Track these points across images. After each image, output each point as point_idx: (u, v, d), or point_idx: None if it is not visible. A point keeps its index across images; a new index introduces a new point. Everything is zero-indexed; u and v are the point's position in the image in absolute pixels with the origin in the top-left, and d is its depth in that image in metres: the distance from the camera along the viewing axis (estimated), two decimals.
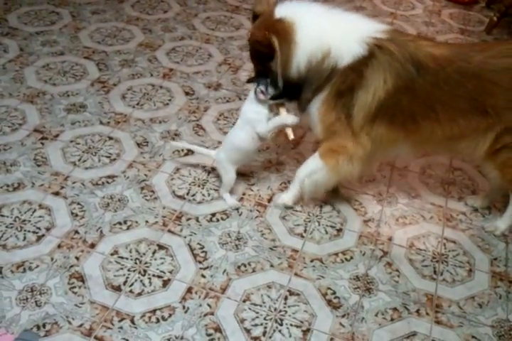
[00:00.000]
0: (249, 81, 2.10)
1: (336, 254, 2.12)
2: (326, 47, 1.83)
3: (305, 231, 2.19)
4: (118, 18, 3.50)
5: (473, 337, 1.89)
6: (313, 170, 2.12)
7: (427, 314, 1.95)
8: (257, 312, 1.88)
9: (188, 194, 2.29)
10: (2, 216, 2.10)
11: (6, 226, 2.07)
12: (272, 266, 2.04)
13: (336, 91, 1.89)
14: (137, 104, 2.76)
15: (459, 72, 1.83)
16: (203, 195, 2.30)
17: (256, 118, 2.06)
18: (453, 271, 2.11)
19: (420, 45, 1.85)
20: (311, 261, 2.08)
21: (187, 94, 2.88)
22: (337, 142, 2.01)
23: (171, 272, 1.97)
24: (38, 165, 2.33)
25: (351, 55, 1.82)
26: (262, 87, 1.98)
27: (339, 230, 2.22)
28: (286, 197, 2.28)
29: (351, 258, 2.11)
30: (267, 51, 1.85)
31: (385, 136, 1.97)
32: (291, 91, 1.96)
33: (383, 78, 1.83)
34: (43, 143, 2.45)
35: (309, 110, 1.99)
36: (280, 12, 1.85)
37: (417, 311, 1.95)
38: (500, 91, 1.84)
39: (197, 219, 2.19)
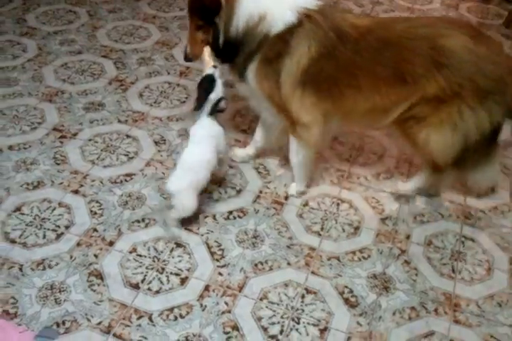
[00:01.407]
0: (196, 109, 2.09)
1: (353, 252, 2.11)
2: (263, 11, 1.90)
3: (322, 229, 2.19)
4: (135, 16, 3.52)
5: (492, 336, 1.88)
6: (296, 153, 2.21)
7: (445, 313, 1.93)
8: (274, 311, 1.89)
9: (205, 191, 2.30)
10: (22, 214, 2.13)
11: (26, 225, 2.09)
12: (288, 264, 2.04)
13: (266, 59, 1.96)
14: (154, 102, 2.78)
15: (379, 40, 1.89)
16: (220, 192, 2.31)
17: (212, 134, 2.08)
18: (471, 270, 2.09)
19: (346, 17, 1.95)
20: (328, 259, 2.07)
21: None
22: (288, 116, 2.08)
23: (188, 270, 1.98)
24: (58, 164, 2.36)
25: (283, 22, 1.90)
26: (218, 95, 2.05)
27: (356, 228, 2.21)
28: (298, 187, 2.33)
29: (369, 256, 2.10)
30: (213, 6, 1.89)
31: (316, 104, 2.02)
32: (228, 51, 2.01)
33: (307, 45, 1.90)
34: (62, 142, 2.48)
35: (246, 80, 2.05)
36: None
37: (435, 310, 1.94)
38: (417, 59, 1.88)
39: (214, 217, 2.19)
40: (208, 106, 2.06)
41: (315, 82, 1.97)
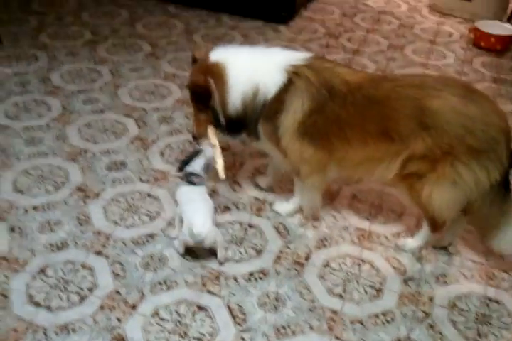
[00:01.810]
0: (180, 169, 2.32)
1: (377, 316, 2.09)
2: (255, 84, 2.09)
3: (344, 291, 2.19)
4: (156, 74, 3.63)
5: None
6: (300, 189, 2.45)
7: None
8: None
9: (226, 252, 2.31)
10: (46, 276, 2.15)
11: (51, 287, 2.11)
12: (311, 328, 2.03)
13: (266, 118, 2.15)
14: (175, 160, 2.83)
15: (366, 97, 2.01)
16: (241, 253, 2.32)
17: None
18: (498, 334, 2.06)
19: (337, 72, 2.08)
20: (351, 322, 2.06)
21: (223, 149, 2.93)
22: (291, 164, 2.30)
23: (211, 335, 1.98)
24: (81, 224, 2.40)
25: (275, 85, 2.08)
26: (194, 170, 2.26)
27: (379, 290, 2.20)
28: (285, 208, 2.53)
29: (392, 319, 2.08)
30: (205, 92, 2.12)
31: (313, 155, 2.18)
32: (233, 127, 2.23)
33: (301, 101, 2.07)
34: (85, 202, 2.52)
35: (260, 138, 2.26)
36: (213, 57, 2.14)
37: None
38: (402, 118, 1.97)
39: (235, 279, 2.20)
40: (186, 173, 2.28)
41: (310, 134, 2.13)
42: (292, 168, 2.33)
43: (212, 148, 2.29)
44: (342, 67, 2.19)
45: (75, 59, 3.75)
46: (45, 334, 1.93)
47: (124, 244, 2.32)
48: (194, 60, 2.25)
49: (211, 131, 2.27)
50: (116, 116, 3.16)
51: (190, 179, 2.26)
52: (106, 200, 2.54)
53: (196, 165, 2.28)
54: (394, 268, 2.31)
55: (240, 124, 2.21)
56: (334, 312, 2.10)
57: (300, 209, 2.54)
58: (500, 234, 2.12)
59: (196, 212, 2.15)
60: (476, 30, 4.33)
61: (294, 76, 2.07)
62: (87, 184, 2.63)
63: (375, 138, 2.05)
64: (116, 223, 2.42)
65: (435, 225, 2.25)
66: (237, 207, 2.55)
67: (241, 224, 2.47)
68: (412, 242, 2.38)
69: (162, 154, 2.87)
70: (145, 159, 2.82)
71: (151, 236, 2.37)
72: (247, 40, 4.18)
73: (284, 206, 2.55)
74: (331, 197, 2.66)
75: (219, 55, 2.15)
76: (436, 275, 2.29)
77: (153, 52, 3.91)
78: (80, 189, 2.60)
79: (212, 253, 2.25)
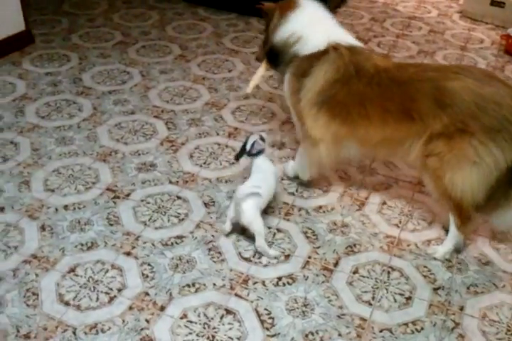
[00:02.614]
0: (239, 156, 2.55)
1: (406, 324, 2.07)
2: (303, 33, 2.30)
3: (373, 298, 2.16)
4: (185, 77, 3.65)
5: None
6: (300, 153, 2.58)
7: None
8: None
9: (254, 256, 2.31)
10: (76, 275, 2.17)
11: (80, 286, 2.13)
12: (340, 335, 2.01)
13: (293, 74, 2.34)
14: (204, 163, 2.84)
15: (390, 78, 2.14)
16: (269, 260, 2.31)
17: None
18: None
19: (371, 57, 2.26)
20: (380, 331, 2.04)
21: None
22: (302, 127, 2.42)
23: (239, 339, 1.97)
24: (111, 225, 2.41)
25: (313, 47, 2.27)
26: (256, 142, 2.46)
27: (408, 298, 2.18)
28: (290, 168, 2.71)
29: (422, 329, 2.06)
30: (267, 11, 2.42)
31: (327, 125, 2.30)
32: (272, 56, 2.45)
33: (325, 70, 2.23)
34: (115, 202, 2.54)
35: (284, 77, 2.44)
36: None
37: None
38: (422, 98, 2.08)
39: (263, 283, 2.19)
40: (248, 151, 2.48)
41: (328, 104, 2.26)
42: (302, 132, 2.46)
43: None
44: (379, 56, 2.40)
45: (106, 60, 3.79)
46: (75, 334, 1.95)
47: (153, 245, 2.33)
48: (265, 13, 2.47)
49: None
50: (146, 117, 3.19)
51: (251, 151, 2.46)
52: (135, 201, 2.56)
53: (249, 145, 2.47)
54: (424, 276, 2.28)
55: (276, 57, 2.41)
56: (363, 319, 2.08)
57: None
58: (500, 215, 2.21)
59: (247, 198, 2.25)
60: (507, 36, 4.27)
61: (332, 49, 2.24)
62: (117, 184, 2.65)
63: (396, 117, 2.15)
64: (145, 224, 2.43)
65: (462, 215, 2.23)
66: (265, 211, 2.54)
67: (269, 228, 2.46)
68: (442, 248, 2.36)
69: (191, 156, 2.88)
70: (174, 161, 2.84)
71: (180, 238, 2.38)
72: None
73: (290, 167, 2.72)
74: (360, 203, 2.64)
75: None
76: (466, 284, 2.26)
77: (183, 55, 3.94)
78: (110, 189, 2.62)
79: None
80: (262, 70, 2.58)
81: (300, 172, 2.66)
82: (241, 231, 2.39)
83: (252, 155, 2.47)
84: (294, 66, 2.33)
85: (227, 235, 2.38)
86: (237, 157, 2.55)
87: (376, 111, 2.19)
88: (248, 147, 2.47)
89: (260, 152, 2.47)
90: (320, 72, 2.25)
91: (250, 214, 2.25)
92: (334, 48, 2.24)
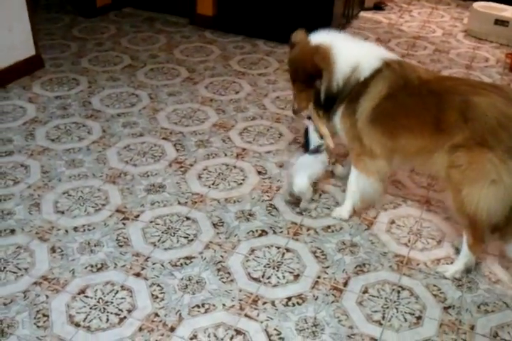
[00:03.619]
0: (307, 149, 2.72)
1: None
2: (355, 63, 2.32)
3: (383, 318, 2.16)
4: (193, 99, 3.69)
5: None
6: (355, 180, 2.56)
7: None
8: None
9: (263, 276, 2.31)
10: (86, 297, 2.18)
11: (90, 308, 2.13)
12: None
13: (350, 99, 2.37)
14: (212, 183, 2.86)
15: (429, 90, 2.22)
16: (278, 277, 2.32)
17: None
18: None
19: (416, 70, 2.33)
20: None
21: (259, 173, 2.96)
22: (356, 147, 2.48)
23: None
24: (120, 246, 2.43)
25: (370, 69, 2.32)
26: (316, 143, 2.67)
27: (418, 317, 2.17)
28: (343, 211, 2.65)
29: None
30: (314, 71, 2.35)
31: (381, 140, 2.36)
32: (329, 103, 2.44)
33: (380, 87, 2.29)
34: (124, 224, 2.56)
35: (334, 119, 2.49)
36: (315, 40, 2.38)
37: None
38: (450, 110, 2.13)
39: (273, 303, 2.19)
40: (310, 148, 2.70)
41: (381, 119, 2.33)
42: (356, 152, 2.51)
43: (314, 123, 2.62)
44: (422, 68, 2.50)
45: (115, 83, 3.85)
46: None
47: (163, 266, 2.34)
48: (292, 45, 2.49)
49: (311, 108, 2.55)
50: (154, 139, 3.22)
51: (317, 150, 2.66)
52: (145, 222, 2.57)
53: (314, 140, 2.67)
54: (434, 295, 2.27)
55: (333, 101, 2.42)
56: (373, 339, 2.07)
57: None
58: None
59: (299, 173, 2.57)
60: None
61: (385, 65, 2.31)
62: (126, 206, 2.67)
63: (431, 128, 2.20)
64: (154, 245, 2.44)
65: (475, 234, 2.23)
66: (274, 231, 2.55)
67: (278, 248, 2.46)
68: (453, 267, 2.36)
69: (200, 177, 2.91)
70: (183, 182, 2.86)
71: (189, 258, 2.38)
72: (283, 66, 4.23)
73: (341, 210, 2.67)
74: (368, 223, 2.65)
75: (320, 38, 2.39)
76: (477, 303, 2.24)
77: (191, 77, 3.99)
78: (119, 211, 2.64)
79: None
80: (320, 121, 2.58)
81: (350, 200, 2.64)
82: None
83: (312, 152, 2.68)
84: (352, 93, 2.37)
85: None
86: (305, 150, 2.74)
87: (416, 122, 2.26)
88: (311, 147, 2.67)
89: (318, 151, 2.67)
90: (376, 88, 2.30)
91: (302, 185, 2.56)
92: (387, 65, 2.31)
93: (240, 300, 2.20)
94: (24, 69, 3.84)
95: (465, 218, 2.21)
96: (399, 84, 2.27)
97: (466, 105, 2.09)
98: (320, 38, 2.40)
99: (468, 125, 2.08)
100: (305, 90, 2.46)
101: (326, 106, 2.46)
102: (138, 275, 2.29)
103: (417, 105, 2.24)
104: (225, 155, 3.11)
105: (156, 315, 2.11)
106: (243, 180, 2.91)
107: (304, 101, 2.53)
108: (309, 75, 2.38)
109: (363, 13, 5.45)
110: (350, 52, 2.34)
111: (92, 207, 2.66)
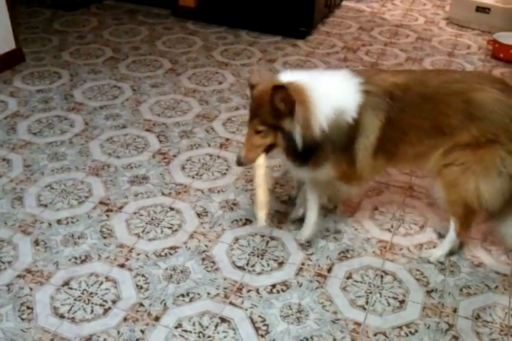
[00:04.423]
0: None
1: (400, 327, 2.08)
2: (338, 104, 1.98)
3: (367, 302, 2.17)
4: (176, 90, 3.68)
5: None
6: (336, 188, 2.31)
7: None
8: None
9: (247, 264, 2.32)
10: (70, 289, 2.18)
11: (75, 299, 2.13)
12: (334, 340, 2.02)
13: (346, 146, 2.06)
14: (196, 174, 2.86)
15: (418, 95, 2.04)
16: (263, 265, 2.33)
17: None
18: None
19: (384, 77, 2.08)
20: (375, 334, 2.04)
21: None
22: (348, 178, 2.21)
23: None
24: (104, 238, 2.42)
25: (355, 106, 2.00)
26: None
27: (402, 301, 2.19)
28: (306, 233, 2.44)
29: (416, 331, 2.06)
30: (286, 109, 1.89)
31: (378, 165, 2.19)
32: (306, 153, 2.00)
33: (376, 118, 2.03)
34: (108, 215, 2.55)
35: (324, 165, 2.10)
36: (284, 79, 1.98)
37: None
38: (452, 112, 2.03)
39: (257, 291, 2.20)
40: None
41: (383, 146, 2.11)
42: (344, 179, 2.23)
43: (255, 183, 2.11)
44: (383, 72, 2.29)
45: (97, 76, 3.82)
46: None
47: (147, 256, 2.34)
48: (252, 87, 2.02)
49: (263, 157, 2.06)
50: (137, 131, 3.21)
51: None
52: (128, 214, 2.57)
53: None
54: (417, 279, 2.29)
55: (313, 150, 2.00)
56: (357, 323, 2.09)
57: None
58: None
59: None
60: (494, 42, 4.33)
61: (364, 95, 2.01)
62: (109, 198, 2.67)
63: (429, 134, 2.10)
64: (138, 236, 2.45)
65: (466, 222, 2.27)
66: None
67: (263, 236, 2.47)
68: (438, 251, 2.38)
69: (183, 168, 2.90)
70: (166, 173, 2.86)
71: (173, 248, 2.39)
72: (266, 56, 4.22)
73: (305, 231, 2.45)
74: (352, 210, 2.66)
75: (288, 77, 1.99)
76: (459, 286, 2.27)
77: (174, 69, 3.98)
78: (102, 203, 2.63)
79: None
80: (264, 185, 2.10)
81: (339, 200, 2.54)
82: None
83: None
84: (342, 137, 2.03)
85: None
86: None
87: (413, 132, 2.10)
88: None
89: None
90: (372, 123, 2.03)
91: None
92: (366, 92, 2.01)
93: (225, 288, 2.21)
94: (5, 64, 3.80)
95: (461, 209, 2.21)
96: (388, 105, 2.02)
97: (469, 104, 2.00)
98: (289, 76, 2.00)
99: (477, 124, 2.00)
100: (263, 134, 1.98)
101: (304, 156, 2.01)
102: (122, 266, 2.29)
103: (412, 116, 2.07)
104: (209, 145, 3.10)
105: (141, 305, 2.12)
106: (227, 170, 2.91)
107: (255, 151, 2.03)
108: (276, 110, 1.90)
109: (345, 2, 5.45)
110: (327, 91, 1.98)
111: (76, 199, 2.65)
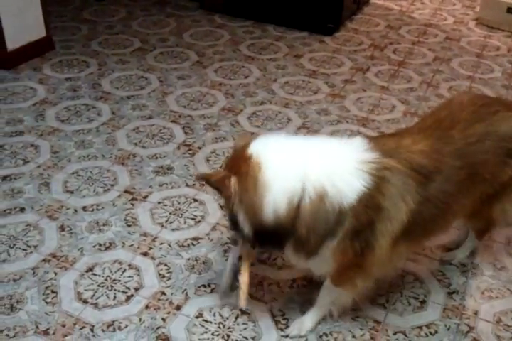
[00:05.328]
0: None
1: (420, 327, 2.08)
2: (319, 186, 1.56)
3: (387, 301, 2.17)
4: (202, 83, 3.70)
5: None
6: (333, 299, 1.98)
7: None
8: None
9: (269, 259, 2.33)
10: (94, 275, 2.21)
11: (98, 285, 2.16)
12: (353, 337, 2.02)
13: (353, 232, 1.65)
14: (221, 166, 2.87)
15: (452, 156, 1.76)
16: (283, 259, 2.33)
17: None
18: None
19: (404, 146, 1.73)
20: (394, 333, 2.05)
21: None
22: (351, 269, 1.80)
23: (253, 338, 1.99)
24: (128, 226, 2.45)
25: (354, 190, 1.59)
26: None
27: (422, 302, 2.18)
28: (307, 326, 2.03)
29: (436, 332, 2.06)
30: (224, 192, 1.64)
31: (404, 251, 1.91)
32: (273, 239, 1.68)
33: (402, 200, 1.65)
34: (132, 204, 2.58)
35: (319, 254, 1.70)
36: (252, 148, 1.63)
37: None
38: (491, 156, 1.85)
39: (278, 285, 2.21)
40: None
41: (411, 231, 1.75)
42: (346, 274, 1.85)
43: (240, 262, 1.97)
44: (397, 136, 1.84)
45: (125, 66, 3.85)
46: (92, 331, 1.98)
47: (170, 246, 2.36)
48: (234, 150, 1.77)
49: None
50: (163, 122, 3.23)
51: None
52: (153, 203, 2.59)
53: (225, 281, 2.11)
54: (438, 280, 2.29)
55: (281, 237, 1.66)
56: (377, 321, 2.09)
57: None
58: None
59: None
60: None
61: (386, 172, 1.64)
62: (134, 187, 2.69)
63: (469, 192, 1.88)
64: (162, 225, 2.47)
65: (487, 231, 2.30)
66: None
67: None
68: (460, 253, 2.37)
69: (208, 160, 2.92)
70: (191, 164, 2.87)
71: (196, 239, 2.41)
72: (293, 51, 4.22)
73: (301, 324, 2.04)
74: None
75: (258, 146, 1.64)
76: (481, 289, 2.26)
77: (200, 61, 3.99)
78: (127, 191, 2.66)
79: None
80: (246, 272, 1.92)
81: (318, 312, 2.06)
82: None
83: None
84: (349, 224, 1.63)
85: None
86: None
87: (456, 202, 1.85)
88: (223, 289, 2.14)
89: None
90: (397, 207, 1.66)
91: None
92: (387, 169, 1.64)
93: None
94: (35, 51, 3.85)
95: (485, 224, 2.22)
96: (419, 181, 1.68)
97: (503, 139, 1.85)
98: (259, 144, 1.64)
99: None
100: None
101: (269, 241, 1.72)
102: (145, 254, 2.31)
103: (456, 184, 1.79)
104: (234, 139, 3.11)
105: (163, 293, 2.14)
106: None
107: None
108: (221, 195, 1.72)
109: (374, 0, 5.41)
110: (300, 168, 1.58)
111: (101, 187, 2.68)
